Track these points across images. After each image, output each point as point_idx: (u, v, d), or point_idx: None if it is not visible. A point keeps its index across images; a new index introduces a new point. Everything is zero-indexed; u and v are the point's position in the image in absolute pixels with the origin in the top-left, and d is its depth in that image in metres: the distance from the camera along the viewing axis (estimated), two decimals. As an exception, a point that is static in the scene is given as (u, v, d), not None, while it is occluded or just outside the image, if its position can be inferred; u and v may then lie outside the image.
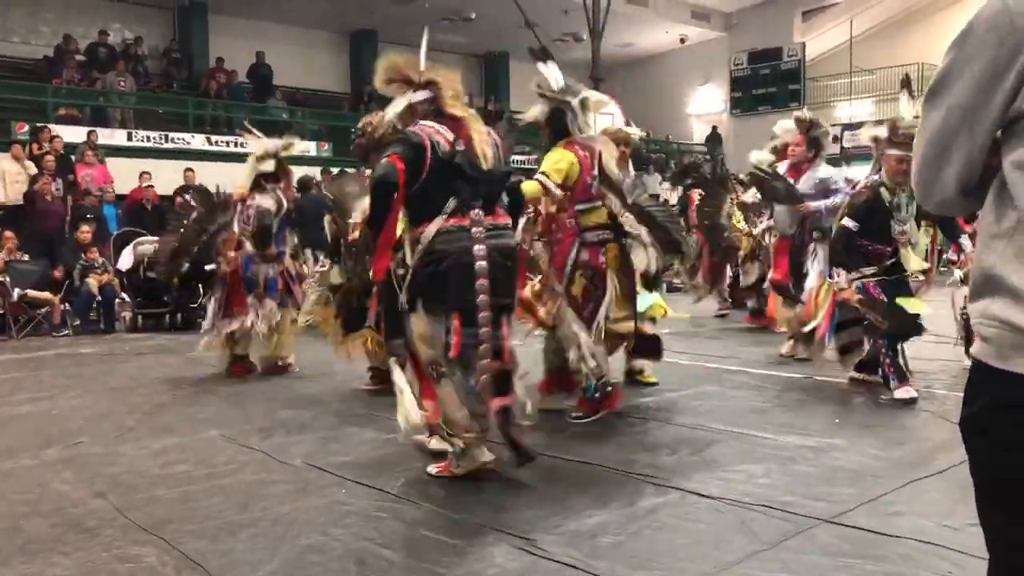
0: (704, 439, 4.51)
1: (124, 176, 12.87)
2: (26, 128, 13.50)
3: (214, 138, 15.73)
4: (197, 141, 15.52)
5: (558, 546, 3.02)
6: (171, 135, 15.31)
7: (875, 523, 3.16)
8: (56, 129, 13.18)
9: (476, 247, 3.65)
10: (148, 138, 14.98)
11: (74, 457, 4.38)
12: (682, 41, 22.64)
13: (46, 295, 10.16)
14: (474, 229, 3.67)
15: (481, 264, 3.64)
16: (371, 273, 4.35)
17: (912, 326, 5.29)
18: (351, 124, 19.34)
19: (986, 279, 1.29)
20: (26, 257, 10.66)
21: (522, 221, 4.54)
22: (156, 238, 10.94)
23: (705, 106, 23.45)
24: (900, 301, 5.28)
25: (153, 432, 4.91)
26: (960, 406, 1.37)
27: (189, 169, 13.20)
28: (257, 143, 6.79)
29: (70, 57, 15.86)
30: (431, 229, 3.65)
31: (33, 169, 11.97)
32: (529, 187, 4.56)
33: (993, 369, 1.27)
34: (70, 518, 3.43)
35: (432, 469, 3.92)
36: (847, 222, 5.40)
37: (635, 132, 6.20)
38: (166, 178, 13.06)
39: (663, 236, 4.91)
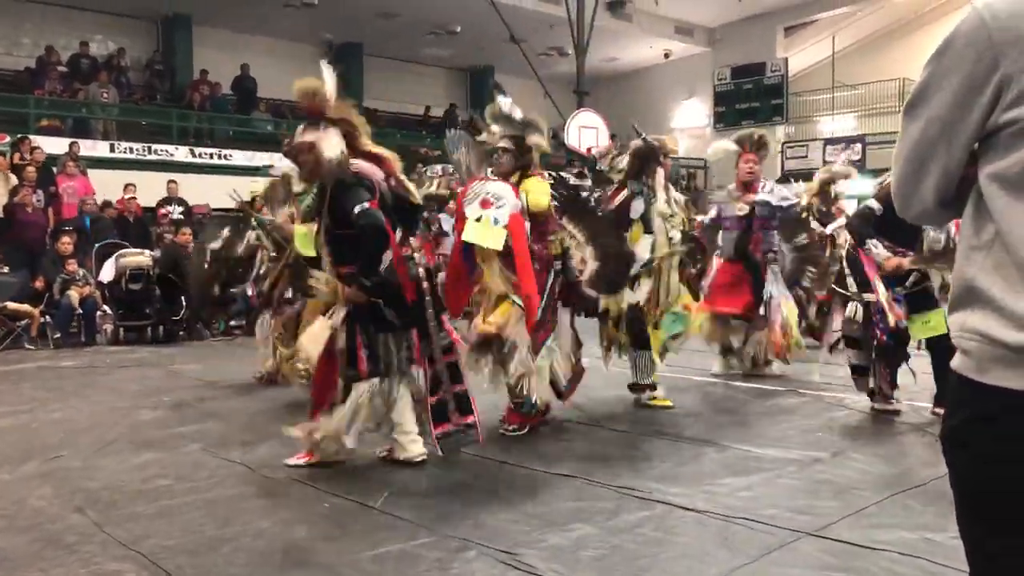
0: (687, 452, 4.51)
1: (107, 188, 12.80)
2: (7, 139, 13.40)
3: (198, 150, 15.68)
4: (180, 153, 15.46)
5: (541, 560, 3.00)
6: (154, 147, 15.24)
7: (858, 536, 3.17)
8: (37, 140, 13.09)
9: (419, 270, 4.34)
10: (131, 150, 14.90)
11: (53, 471, 4.33)
12: (666, 56, 22.78)
13: (26, 307, 10.05)
14: (416, 255, 4.39)
15: (424, 286, 4.33)
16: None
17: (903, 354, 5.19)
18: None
19: (966, 291, 1.30)
20: (6, 269, 10.56)
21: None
22: (139, 250, 10.93)
23: (689, 120, 23.58)
24: (922, 321, 4.98)
25: (134, 446, 4.86)
26: (941, 419, 1.38)
27: (172, 181, 13.15)
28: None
29: (52, 68, 15.78)
30: (385, 260, 4.13)
31: (14, 180, 11.87)
32: (541, 201, 4.77)
33: (972, 382, 1.27)
34: (48, 534, 3.39)
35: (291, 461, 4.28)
36: (872, 203, 4.89)
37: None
38: (149, 190, 13.02)
39: (604, 272, 4.95)
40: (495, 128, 4.94)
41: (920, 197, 1.36)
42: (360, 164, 4.12)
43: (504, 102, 5.03)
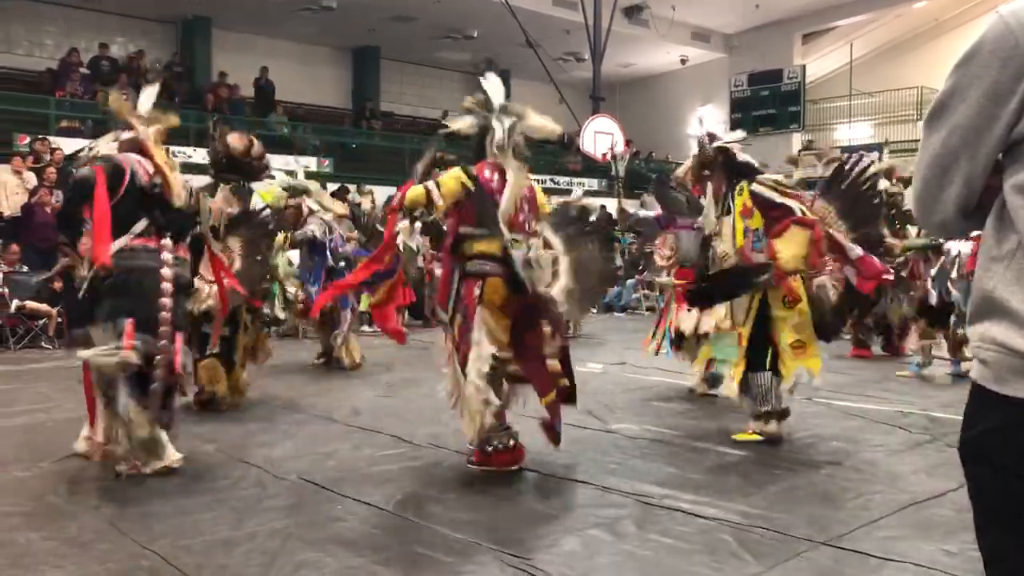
0: (702, 459, 4.50)
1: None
2: (28, 140, 13.53)
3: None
4: (198, 155, 15.54)
5: (554, 565, 3.00)
6: (172, 148, 15.32)
7: (874, 546, 3.15)
8: (57, 141, 13.20)
9: (164, 269, 4.26)
10: (149, 151, 14.99)
11: (69, 470, 4.35)
12: (683, 62, 22.75)
13: (44, 307, 10.14)
14: (164, 254, 4.30)
15: (166, 285, 4.25)
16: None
17: None
18: (352, 140, 19.49)
19: (986, 302, 1.29)
20: (25, 268, 10.65)
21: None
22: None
23: (705, 127, 23.57)
24: None
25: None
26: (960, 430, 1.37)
27: (188, 183, 13.21)
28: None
29: (73, 70, 15.92)
30: (115, 245, 4.16)
31: (33, 181, 11.98)
32: (412, 192, 4.25)
33: (992, 393, 1.27)
34: (64, 532, 3.41)
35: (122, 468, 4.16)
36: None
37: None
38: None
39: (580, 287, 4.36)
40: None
41: (942, 207, 1.35)
42: (127, 155, 4.39)
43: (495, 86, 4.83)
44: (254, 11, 17.95)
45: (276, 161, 16.20)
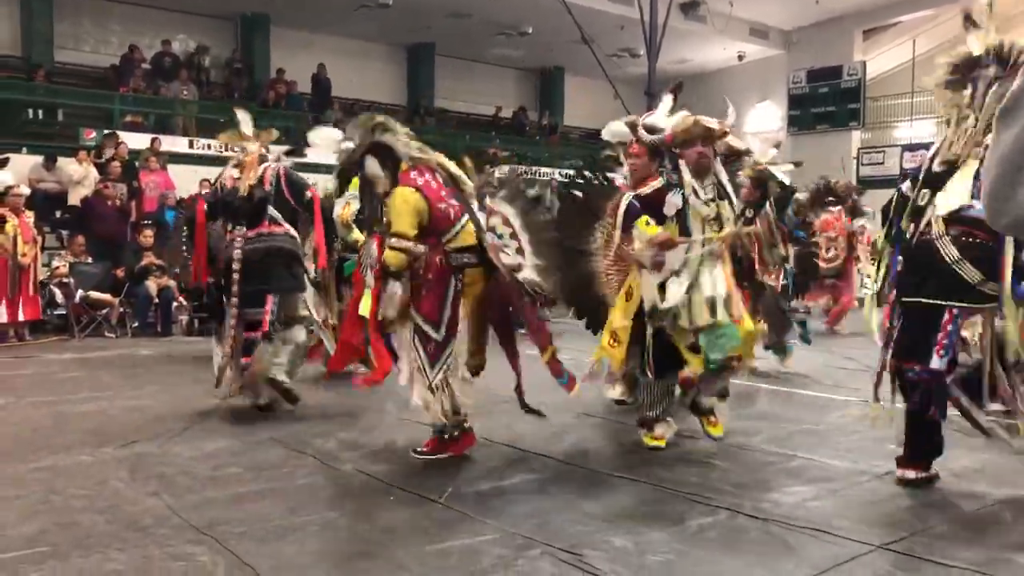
0: (754, 459, 4.45)
1: (185, 183, 13.16)
2: (93, 134, 13.91)
3: (273, 147, 15.98)
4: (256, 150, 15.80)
5: (605, 562, 3.00)
6: (231, 144, 15.60)
7: (931, 551, 3.09)
8: (121, 136, 13.55)
9: (236, 251, 5.46)
10: (208, 146, 15.30)
11: (130, 456, 4.47)
12: (740, 58, 22.45)
13: (107, 297, 10.42)
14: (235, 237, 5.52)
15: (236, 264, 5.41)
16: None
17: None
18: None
19: None
20: (89, 259, 10.96)
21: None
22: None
23: (761, 124, 23.21)
24: None
25: (207, 434, 4.99)
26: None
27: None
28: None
29: (136, 66, 16.30)
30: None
31: (95, 174, 12.32)
32: (391, 258, 4.14)
33: None
34: (125, 515, 3.50)
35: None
36: (903, 185, 4.11)
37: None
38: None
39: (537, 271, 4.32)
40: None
41: (1016, 204, 1.32)
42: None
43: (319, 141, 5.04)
44: (311, 8, 18.17)
45: (333, 157, 16.45)
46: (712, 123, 4.57)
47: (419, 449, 4.45)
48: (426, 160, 4.35)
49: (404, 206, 4.17)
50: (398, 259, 4.14)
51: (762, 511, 3.54)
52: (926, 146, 19.97)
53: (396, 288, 4.18)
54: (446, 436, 4.41)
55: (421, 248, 4.19)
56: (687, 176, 4.52)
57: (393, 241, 4.15)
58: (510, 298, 4.42)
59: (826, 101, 21.34)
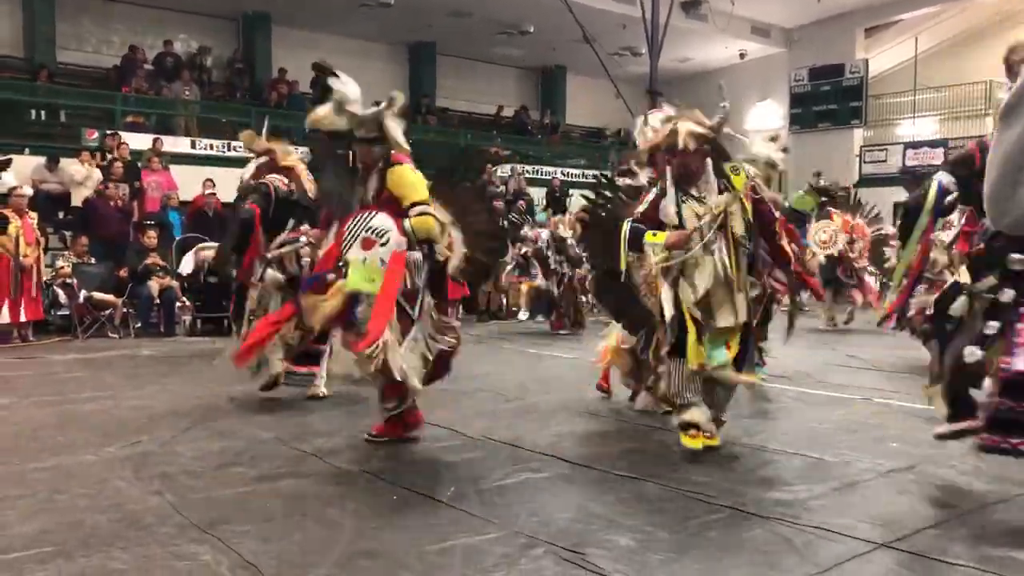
0: (758, 458, 4.45)
1: (188, 183, 13.17)
2: (96, 135, 13.92)
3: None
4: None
5: (607, 561, 3.00)
6: (234, 143, 15.61)
7: (935, 549, 3.09)
8: (123, 136, 13.56)
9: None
10: (211, 146, 15.32)
11: (133, 455, 4.48)
12: (742, 56, 22.43)
13: (110, 297, 10.44)
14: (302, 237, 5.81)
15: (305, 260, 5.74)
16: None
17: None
18: (407, 135, 19.61)
19: None
20: (92, 260, 10.98)
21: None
22: (218, 244, 11.24)
23: (763, 122, 23.20)
24: None
25: (210, 433, 5.00)
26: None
27: (250, 177, 13.46)
28: None
29: (138, 66, 16.32)
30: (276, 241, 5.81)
31: (98, 175, 12.33)
32: (424, 223, 4.31)
33: None
34: (129, 514, 3.51)
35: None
36: (942, 176, 3.76)
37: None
38: (228, 185, 13.33)
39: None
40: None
41: (1017, 203, 1.32)
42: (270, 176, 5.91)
43: (341, 87, 4.51)
44: (312, 7, 18.18)
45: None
46: (692, 127, 4.37)
47: (371, 434, 4.70)
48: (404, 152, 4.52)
49: (416, 177, 4.39)
50: (429, 223, 4.32)
51: (765, 509, 3.54)
52: (928, 144, 20.12)
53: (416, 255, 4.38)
54: (397, 415, 4.61)
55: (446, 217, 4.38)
56: (668, 183, 4.45)
57: (421, 208, 4.32)
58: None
59: (828, 99, 21.34)
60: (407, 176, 4.39)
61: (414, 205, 4.33)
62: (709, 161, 4.43)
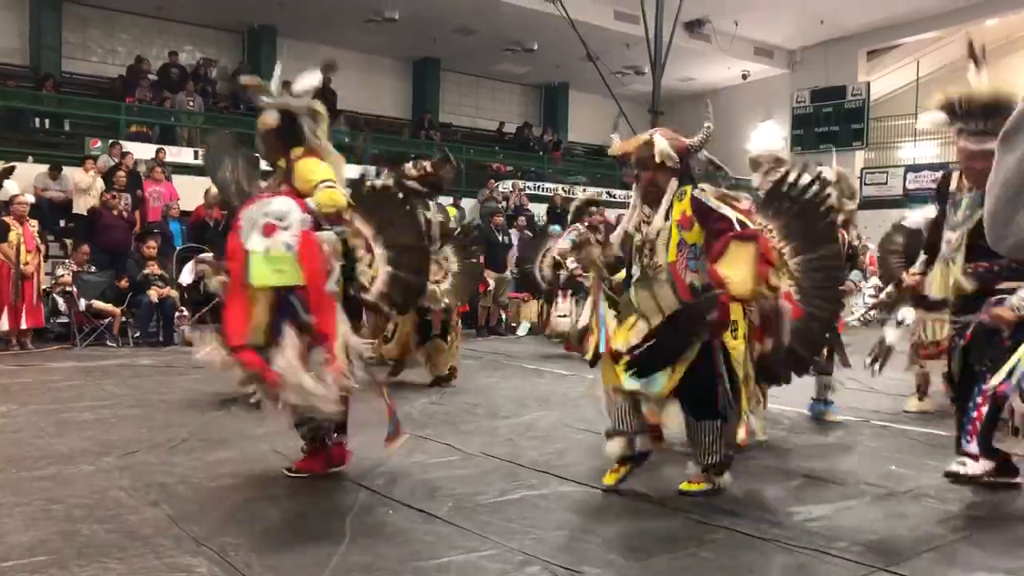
0: (754, 480, 4.43)
1: (189, 194, 13.19)
2: (99, 144, 13.97)
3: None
4: (261, 162, 15.84)
5: (604, 579, 2.99)
6: (237, 154, 15.66)
7: (933, 573, 3.08)
8: (127, 146, 13.61)
9: None
10: (214, 157, 15.34)
11: (131, 465, 4.47)
12: (744, 77, 22.55)
13: (109, 307, 10.44)
14: None
15: None
16: None
17: None
18: (411, 150, 19.69)
19: None
20: (92, 269, 10.99)
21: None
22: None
23: (765, 143, 23.30)
24: None
25: (207, 444, 4.99)
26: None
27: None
28: None
29: (143, 76, 16.40)
30: None
31: (100, 184, 12.36)
32: (329, 196, 3.90)
33: None
34: (126, 525, 3.50)
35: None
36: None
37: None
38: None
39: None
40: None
41: (1018, 227, 1.33)
42: None
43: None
44: (319, 21, 18.28)
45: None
46: (666, 144, 4.09)
47: (290, 468, 4.27)
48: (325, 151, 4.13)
49: (323, 166, 4.03)
50: (334, 196, 3.91)
51: (762, 531, 3.53)
52: (930, 167, 20.14)
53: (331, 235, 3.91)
54: (318, 447, 4.26)
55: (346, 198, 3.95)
56: (634, 199, 4.21)
57: (326, 183, 3.92)
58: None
59: (830, 121, 21.44)
60: (310, 164, 4.03)
61: (320, 184, 3.93)
62: (674, 181, 4.05)
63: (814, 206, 4.03)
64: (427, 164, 7.40)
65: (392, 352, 7.47)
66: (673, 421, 4.16)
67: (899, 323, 4.50)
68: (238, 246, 3.91)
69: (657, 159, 4.03)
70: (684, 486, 4.06)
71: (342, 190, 4.00)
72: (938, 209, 4.48)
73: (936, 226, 4.43)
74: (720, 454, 3.98)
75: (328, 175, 4.00)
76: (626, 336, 4.00)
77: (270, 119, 4.14)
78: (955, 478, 4.00)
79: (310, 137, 4.13)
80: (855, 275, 10.10)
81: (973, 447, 3.97)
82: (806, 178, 4.09)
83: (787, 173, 4.18)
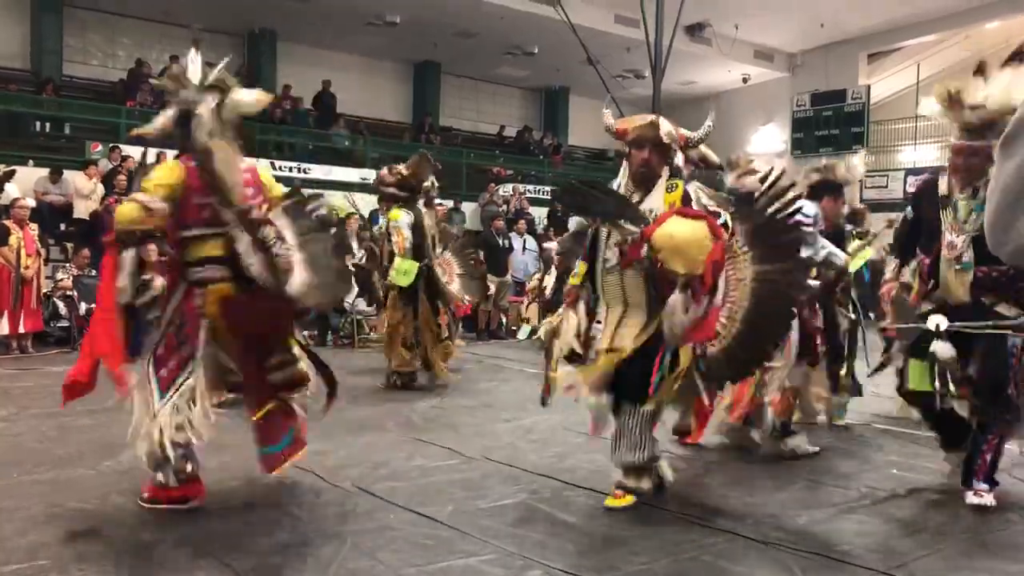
0: (755, 483, 4.43)
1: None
2: (100, 148, 13.98)
3: (278, 163, 16.06)
4: (261, 166, 15.86)
5: (606, 584, 2.98)
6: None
7: (936, 575, 3.08)
8: (127, 149, 13.61)
9: None
10: (214, 161, 15.35)
11: (131, 470, 4.45)
12: (744, 80, 22.55)
13: (110, 310, 10.42)
14: None
15: None
16: None
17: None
18: (411, 153, 19.70)
19: None
20: (93, 272, 10.97)
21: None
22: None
23: (765, 146, 23.27)
24: None
25: (208, 450, 4.96)
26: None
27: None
28: None
29: (144, 80, 16.40)
30: None
31: (101, 189, 12.37)
32: (122, 211, 3.72)
33: None
34: (127, 530, 3.50)
35: None
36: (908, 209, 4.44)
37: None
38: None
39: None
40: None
41: (1017, 233, 1.32)
42: None
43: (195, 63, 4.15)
44: (319, 25, 18.29)
45: (337, 173, 16.52)
46: (670, 127, 4.17)
47: (143, 497, 3.87)
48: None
49: (166, 175, 3.80)
50: (124, 211, 3.74)
51: (764, 535, 3.53)
52: (930, 170, 20.07)
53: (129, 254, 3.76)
54: (166, 481, 3.80)
55: (162, 205, 3.68)
56: (618, 180, 4.16)
57: (133, 194, 3.75)
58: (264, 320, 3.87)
59: (830, 124, 21.43)
60: (156, 170, 3.84)
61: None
62: (666, 170, 4.05)
63: (780, 221, 3.84)
64: (403, 168, 7.46)
65: (412, 364, 7.35)
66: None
67: (937, 332, 3.99)
68: None
69: (664, 139, 4.05)
70: (609, 502, 3.94)
71: (146, 201, 3.67)
72: (912, 216, 4.40)
73: (913, 233, 4.36)
74: (645, 450, 3.90)
75: (149, 181, 3.75)
76: (613, 335, 3.98)
77: (165, 121, 3.97)
78: (982, 510, 3.94)
79: (195, 138, 3.84)
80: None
81: (981, 485, 4.00)
82: (783, 187, 3.89)
83: (765, 178, 3.99)
